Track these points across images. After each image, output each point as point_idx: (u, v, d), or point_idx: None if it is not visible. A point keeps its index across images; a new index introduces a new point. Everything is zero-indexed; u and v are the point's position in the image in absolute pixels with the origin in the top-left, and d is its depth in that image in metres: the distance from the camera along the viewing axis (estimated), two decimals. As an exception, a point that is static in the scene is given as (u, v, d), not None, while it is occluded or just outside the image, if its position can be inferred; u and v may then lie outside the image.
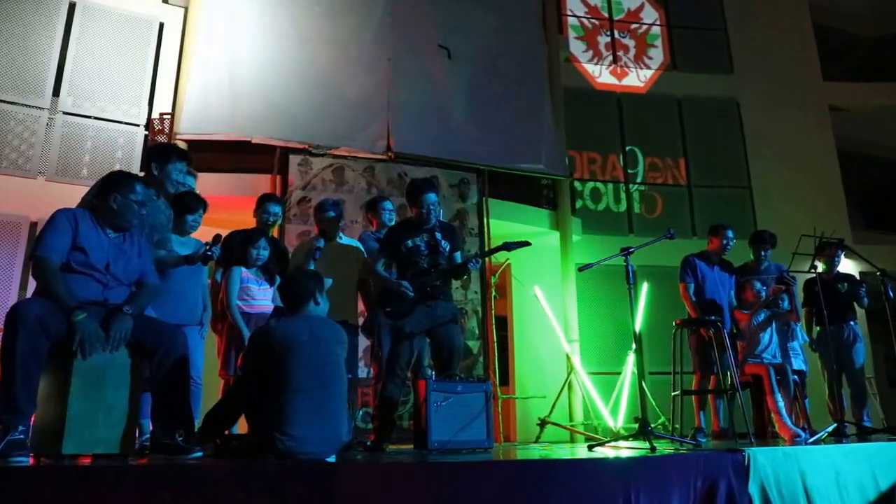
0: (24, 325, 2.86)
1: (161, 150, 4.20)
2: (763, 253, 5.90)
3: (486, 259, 7.57)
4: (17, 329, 2.86)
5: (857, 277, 6.52)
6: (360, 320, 4.97)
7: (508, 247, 4.52)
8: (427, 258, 4.52)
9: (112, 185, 3.30)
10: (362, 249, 5.01)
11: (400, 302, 4.39)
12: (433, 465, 3.06)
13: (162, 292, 3.57)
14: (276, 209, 5.01)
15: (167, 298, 3.83)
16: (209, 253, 3.96)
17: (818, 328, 6.05)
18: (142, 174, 4.07)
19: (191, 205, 4.28)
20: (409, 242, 4.53)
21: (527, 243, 4.58)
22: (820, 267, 6.11)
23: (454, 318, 4.55)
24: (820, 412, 6.09)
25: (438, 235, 4.57)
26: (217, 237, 4.16)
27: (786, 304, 5.53)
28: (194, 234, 4.37)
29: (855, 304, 6.26)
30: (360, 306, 5.04)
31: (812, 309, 6.14)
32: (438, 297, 4.48)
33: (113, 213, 3.26)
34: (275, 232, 5.25)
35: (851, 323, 6.15)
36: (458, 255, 4.68)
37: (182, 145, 6.94)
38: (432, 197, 4.59)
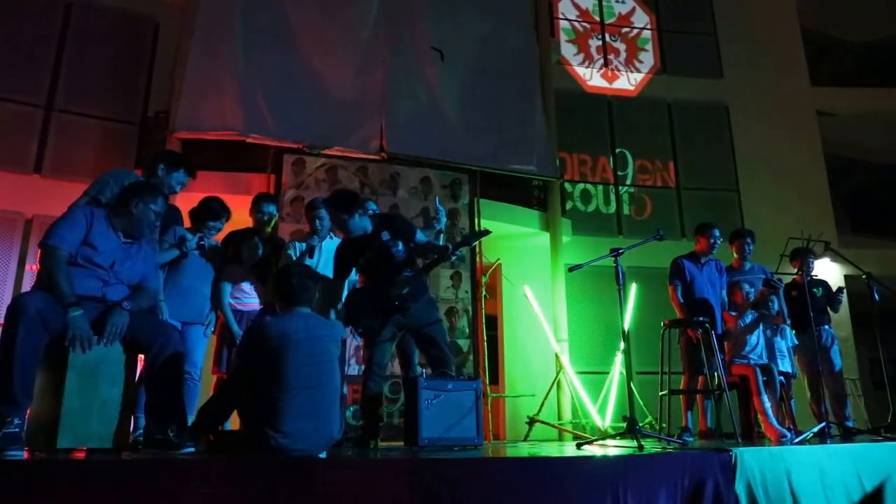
0: (25, 319, 2.89)
1: (173, 157, 4.25)
2: (746, 247, 5.99)
3: (477, 259, 7.68)
4: (18, 322, 2.88)
5: (829, 283, 6.61)
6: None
7: (469, 241, 4.48)
8: (383, 269, 4.35)
9: (136, 192, 3.33)
10: None
11: (370, 319, 4.33)
12: (423, 462, 3.09)
13: (172, 290, 3.62)
14: (272, 208, 5.05)
15: (175, 295, 3.88)
16: (201, 242, 4.07)
17: (794, 332, 6.14)
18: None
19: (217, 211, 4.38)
20: (361, 260, 4.42)
21: (487, 232, 4.51)
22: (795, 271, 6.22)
23: (433, 320, 4.48)
24: (804, 413, 6.17)
25: (385, 237, 4.39)
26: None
27: (775, 307, 5.60)
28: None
29: (828, 308, 6.35)
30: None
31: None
32: (410, 307, 4.37)
33: (130, 218, 3.30)
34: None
35: (826, 327, 6.25)
36: (420, 235, 4.52)
37: (177, 144, 6.96)
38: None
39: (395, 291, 4.30)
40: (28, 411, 3.04)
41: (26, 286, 6.02)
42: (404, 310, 4.34)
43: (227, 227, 4.84)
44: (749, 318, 5.54)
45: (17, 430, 2.89)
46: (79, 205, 3.30)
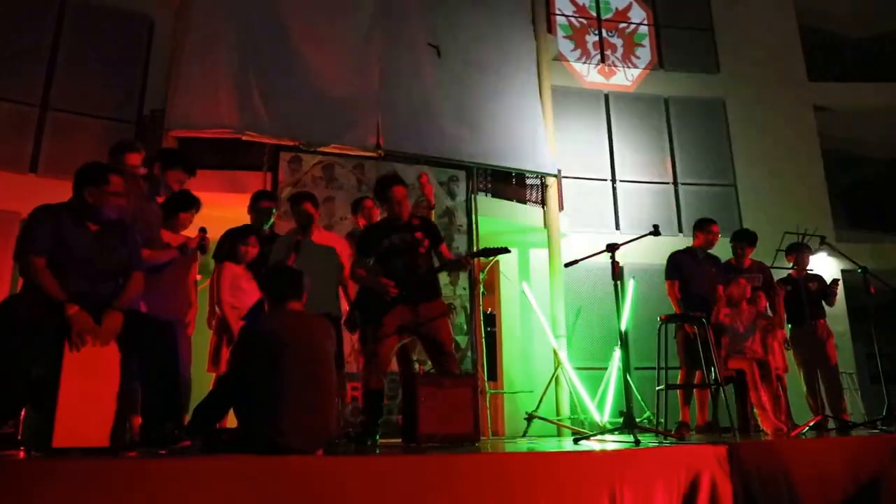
0: (15, 322, 2.87)
1: (170, 154, 4.23)
2: (739, 251, 6.03)
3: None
4: (8, 325, 2.87)
5: (824, 277, 6.62)
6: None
7: (487, 252, 4.54)
8: (404, 256, 4.43)
9: (84, 179, 3.28)
10: (343, 241, 5.04)
11: (378, 305, 4.34)
12: (420, 459, 3.09)
13: (151, 286, 3.60)
14: (271, 206, 5.05)
15: (156, 293, 3.86)
16: (203, 242, 4.07)
17: (790, 326, 6.15)
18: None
19: (187, 203, 4.35)
20: (386, 241, 4.46)
21: (506, 250, 4.57)
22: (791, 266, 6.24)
23: (441, 314, 4.49)
24: (800, 407, 6.18)
25: (416, 232, 4.46)
26: (202, 230, 4.23)
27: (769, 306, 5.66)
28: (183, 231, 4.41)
29: (824, 302, 6.37)
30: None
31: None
32: (421, 299, 4.40)
33: (89, 206, 3.25)
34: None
35: (822, 321, 6.26)
36: (441, 249, 4.60)
37: (173, 142, 6.94)
38: (400, 191, 4.54)
39: (411, 281, 4.33)
40: (23, 412, 3.03)
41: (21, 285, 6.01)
42: (415, 301, 4.35)
43: (225, 226, 4.84)
44: (745, 313, 5.56)
45: (11, 430, 2.89)
46: (38, 206, 3.26)
